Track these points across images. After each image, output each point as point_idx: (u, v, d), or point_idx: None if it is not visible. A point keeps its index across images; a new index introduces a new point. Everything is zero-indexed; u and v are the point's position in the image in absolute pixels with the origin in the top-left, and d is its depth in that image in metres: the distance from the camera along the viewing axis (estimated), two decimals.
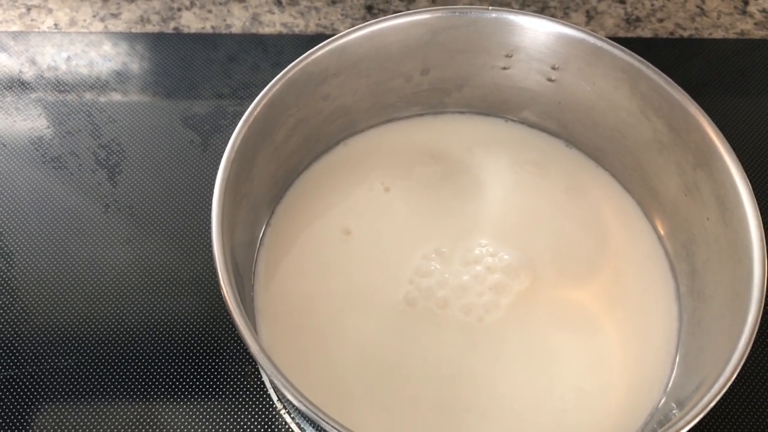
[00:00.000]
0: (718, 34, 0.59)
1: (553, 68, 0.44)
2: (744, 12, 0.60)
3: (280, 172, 0.44)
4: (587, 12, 0.59)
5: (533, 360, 0.41)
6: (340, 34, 0.41)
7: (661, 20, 0.59)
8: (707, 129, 0.39)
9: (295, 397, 0.32)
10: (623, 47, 0.41)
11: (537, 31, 0.42)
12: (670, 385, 0.40)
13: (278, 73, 0.40)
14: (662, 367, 0.41)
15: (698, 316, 0.40)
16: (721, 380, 0.32)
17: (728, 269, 0.38)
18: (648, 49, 0.57)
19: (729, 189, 0.38)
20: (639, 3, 0.60)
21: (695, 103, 0.40)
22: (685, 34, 0.58)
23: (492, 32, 0.43)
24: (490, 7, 0.42)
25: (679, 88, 0.40)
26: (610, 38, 0.42)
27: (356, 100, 0.45)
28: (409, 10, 0.58)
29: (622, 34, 0.58)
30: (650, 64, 0.41)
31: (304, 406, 0.31)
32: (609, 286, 0.43)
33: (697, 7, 0.60)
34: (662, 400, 0.40)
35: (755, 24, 0.59)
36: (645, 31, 0.58)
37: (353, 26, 0.57)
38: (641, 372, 0.41)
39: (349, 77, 0.43)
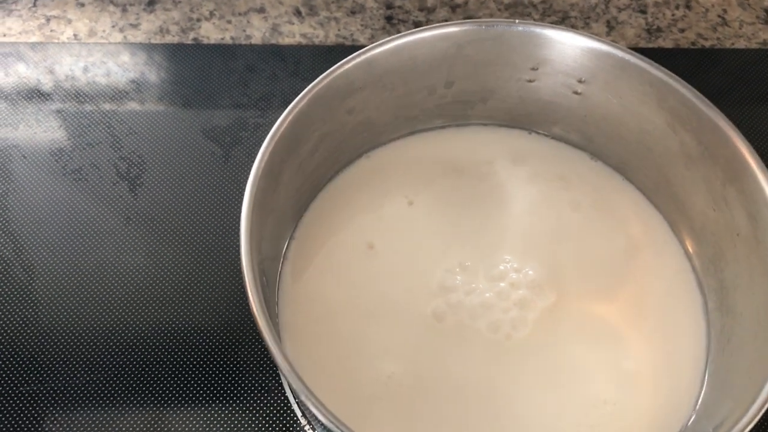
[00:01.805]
0: (741, 44, 0.58)
1: (580, 81, 0.43)
2: (767, 22, 0.59)
3: (304, 186, 0.43)
4: (608, 22, 0.59)
5: (560, 376, 0.41)
6: (367, 47, 0.41)
7: (682, 30, 0.59)
8: (738, 144, 0.39)
9: (326, 417, 0.31)
10: (651, 61, 0.41)
11: (564, 44, 0.42)
12: (699, 403, 0.40)
13: (299, 84, 0.40)
14: (691, 384, 0.40)
15: (728, 333, 0.40)
16: (759, 402, 0.32)
17: (761, 287, 0.37)
18: (669, 59, 0.56)
19: (762, 206, 0.37)
20: (660, 13, 0.59)
21: (725, 118, 0.39)
22: (707, 44, 0.58)
23: (518, 45, 0.43)
24: (517, 20, 0.42)
25: (709, 102, 0.40)
26: (631, 49, 0.41)
27: (380, 113, 0.45)
28: (429, 20, 0.58)
29: (643, 44, 0.58)
30: (679, 78, 0.40)
31: (335, 426, 0.31)
32: (635, 302, 0.43)
33: (719, 17, 0.59)
34: (692, 418, 0.39)
35: None
36: (666, 42, 0.58)
37: (373, 37, 0.57)
38: (669, 388, 0.41)
39: (373, 91, 0.43)
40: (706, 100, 0.40)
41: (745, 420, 0.32)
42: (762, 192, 0.37)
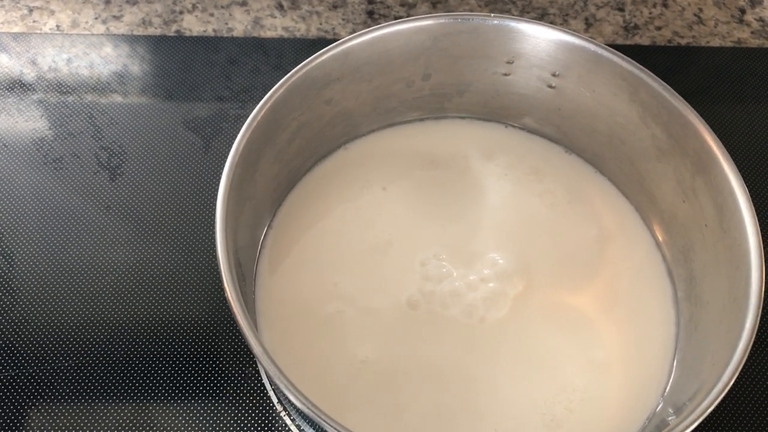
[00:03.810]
0: (715, 42, 0.59)
1: (554, 75, 0.44)
2: (741, 21, 0.60)
3: (282, 174, 0.44)
4: (586, 19, 0.60)
5: (531, 364, 0.41)
6: (344, 39, 0.41)
7: (659, 28, 0.60)
8: (706, 137, 0.39)
9: (299, 400, 0.32)
10: (623, 55, 0.42)
11: (538, 38, 0.43)
12: (667, 390, 0.40)
13: (280, 77, 0.40)
14: (659, 371, 0.41)
15: (695, 321, 0.41)
16: (719, 386, 0.33)
17: (726, 275, 0.38)
18: (646, 56, 0.57)
19: (727, 196, 0.38)
20: (637, 11, 0.60)
21: (694, 111, 0.40)
22: (683, 42, 0.59)
23: (494, 39, 0.43)
24: (492, 14, 0.42)
25: (679, 96, 0.40)
26: (608, 45, 0.42)
27: (358, 104, 0.46)
28: (409, 15, 0.59)
29: (620, 41, 0.59)
30: (650, 72, 0.41)
31: (309, 409, 0.32)
32: (607, 291, 0.44)
33: (695, 15, 0.60)
34: (660, 404, 0.40)
35: (752, 33, 0.60)
36: (643, 39, 0.59)
37: (354, 31, 0.57)
38: (638, 376, 0.41)
39: (351, 82, 0.44)
40: (676, 93, 0.41)
41: (705, 404, 0.32)
42: (727, 182, 0.38)
